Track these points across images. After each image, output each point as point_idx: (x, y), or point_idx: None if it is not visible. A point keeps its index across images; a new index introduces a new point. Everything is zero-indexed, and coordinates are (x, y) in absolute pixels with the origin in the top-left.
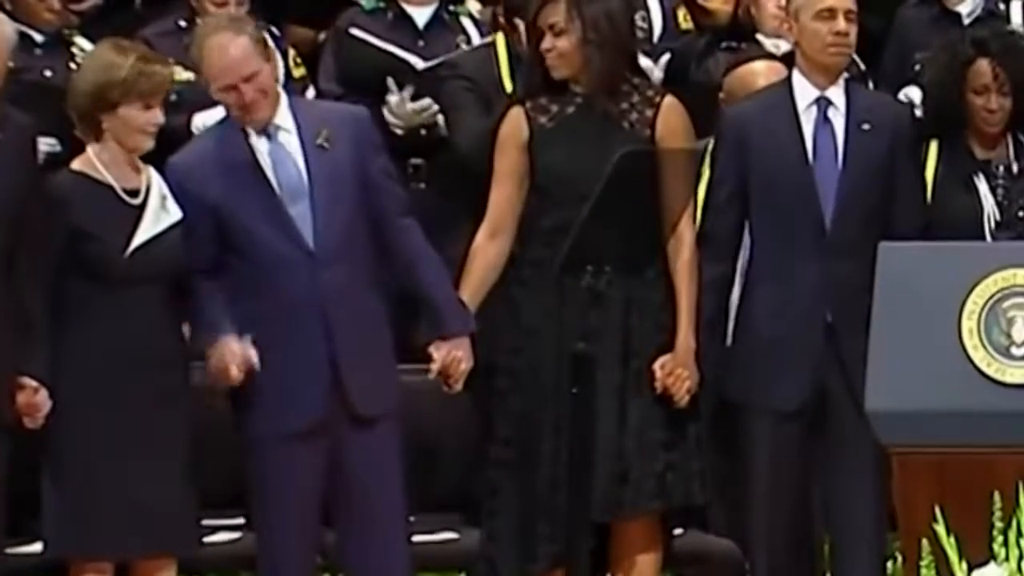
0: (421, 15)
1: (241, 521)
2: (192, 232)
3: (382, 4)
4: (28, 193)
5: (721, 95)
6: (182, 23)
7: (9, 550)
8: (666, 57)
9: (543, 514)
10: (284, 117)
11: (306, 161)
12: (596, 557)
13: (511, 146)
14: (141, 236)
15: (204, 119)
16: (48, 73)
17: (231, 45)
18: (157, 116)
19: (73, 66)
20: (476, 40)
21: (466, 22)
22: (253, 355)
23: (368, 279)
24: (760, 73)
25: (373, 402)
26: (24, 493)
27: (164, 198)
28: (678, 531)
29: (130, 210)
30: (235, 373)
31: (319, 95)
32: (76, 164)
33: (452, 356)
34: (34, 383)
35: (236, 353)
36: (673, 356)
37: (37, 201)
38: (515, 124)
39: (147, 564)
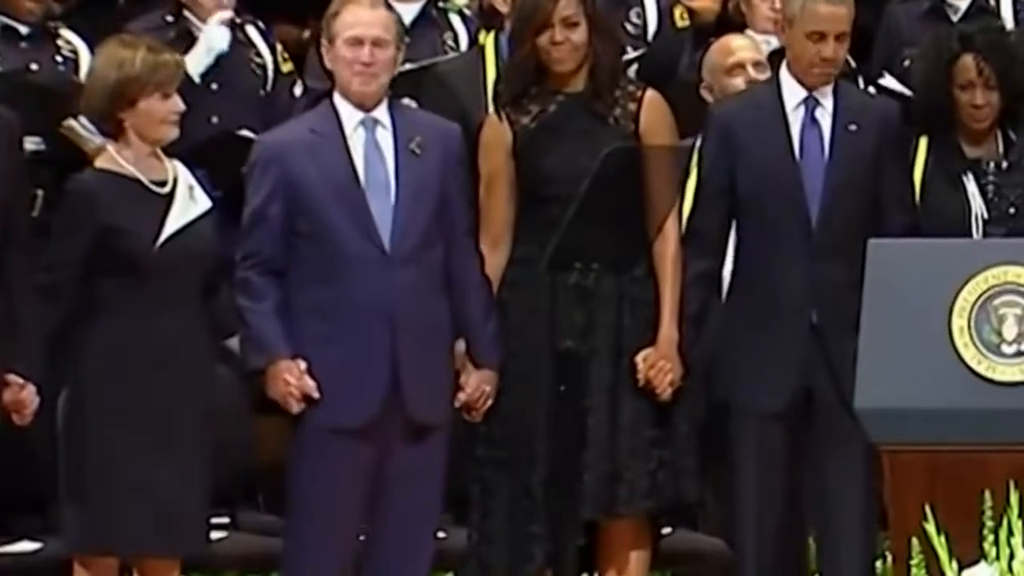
0: (408, 12)
1: (227, 520)
2: (263, 216)
3: None
4: (14, 189)
5: (704, 80)
6: (168, 18)
7: None
8: (636, 60)
9: (539, 514)
10: (383, 114)
11: (396, 163)
12: (584, 556)
13: (496, 152)
14: (171, 226)
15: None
16: (34, 67)
17: (376, 7)
18: (177, 104)
19: (59, 59)
20: (463, 38)
21: (454, 19)
22: (310, 385)
23: (437, 287)
24: (740, 47)
25: (428, 410)
26: (15, 492)
27: (191, 188)
28: (667, 530)
29: (158, 201)
30: (296, 408)
31: (306, 91)
32: (100, 162)
33: (481, 391)
34: (20, 380)
35: (294, 384)
36: (655, 348)
37: (24, 197)
38: (497, 129)
39: (155, 564)
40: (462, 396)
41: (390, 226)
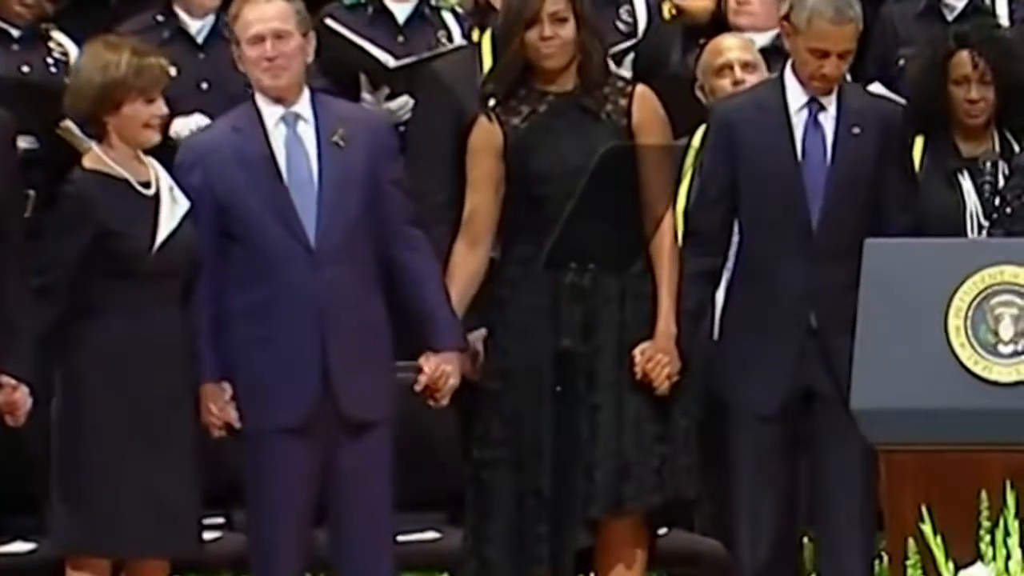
0: (401, 10)
1: (221, 520)
2: (196, 216)
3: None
4: (8, 190)
5: (698, 79)
6: (160, 17)
7: None
8: (628, 51)
9: (544, 514)
10: (305, 108)
11: (319, 156)
12: (580, 556)
13: (486, 154)
14: (165, 229)
15: (182, 126)
16: (26, 68)
17: (272, 1)
18: (160, 108)
19: (51, 60)
20: (457, 36)
21: (448, 17)
22: (232, 415)
23: (369, 282)
24: (729, 47)
25: (364, 408)
26: (9, 493)
27: (171, 189)
28: (664, 530)
29: (147, 203)
30: (216, 434)
31: None
32: (87, 163)
33: (441, 371)
34: (12, 381)
35: (215, 413)
36: (653, 342)
37: (18, 198)
38: (487, 131)
39: (146, 564)
40: (422, 378)
41: (315, 222)
